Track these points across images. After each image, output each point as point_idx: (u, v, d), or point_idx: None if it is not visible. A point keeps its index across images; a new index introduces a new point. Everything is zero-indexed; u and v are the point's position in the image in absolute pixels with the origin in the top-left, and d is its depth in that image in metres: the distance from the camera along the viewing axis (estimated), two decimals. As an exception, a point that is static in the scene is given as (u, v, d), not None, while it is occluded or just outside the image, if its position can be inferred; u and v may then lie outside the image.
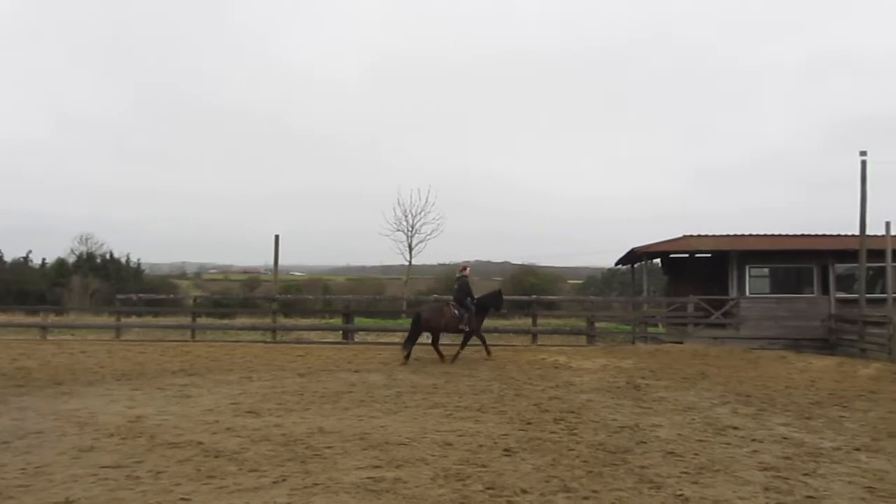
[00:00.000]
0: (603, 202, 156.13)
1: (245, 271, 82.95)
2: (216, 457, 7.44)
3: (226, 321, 27.84)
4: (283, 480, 6.52)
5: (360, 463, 7.19)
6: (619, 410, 10.81)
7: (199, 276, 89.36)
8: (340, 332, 23.56)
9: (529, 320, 23.52)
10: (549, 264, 72.13)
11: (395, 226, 40.09)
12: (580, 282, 77.83)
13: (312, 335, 24.11)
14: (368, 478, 6.58)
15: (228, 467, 7.01)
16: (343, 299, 28.54)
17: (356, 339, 23.23)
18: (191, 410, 10.39)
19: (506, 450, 7.90)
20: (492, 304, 18.95)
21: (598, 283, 73.11)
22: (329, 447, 7.91)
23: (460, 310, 18.05)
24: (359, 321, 24.96)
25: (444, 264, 61.94)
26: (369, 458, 7.43)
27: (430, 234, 40.40)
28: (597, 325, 23.49)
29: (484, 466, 7.12)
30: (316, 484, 6.38)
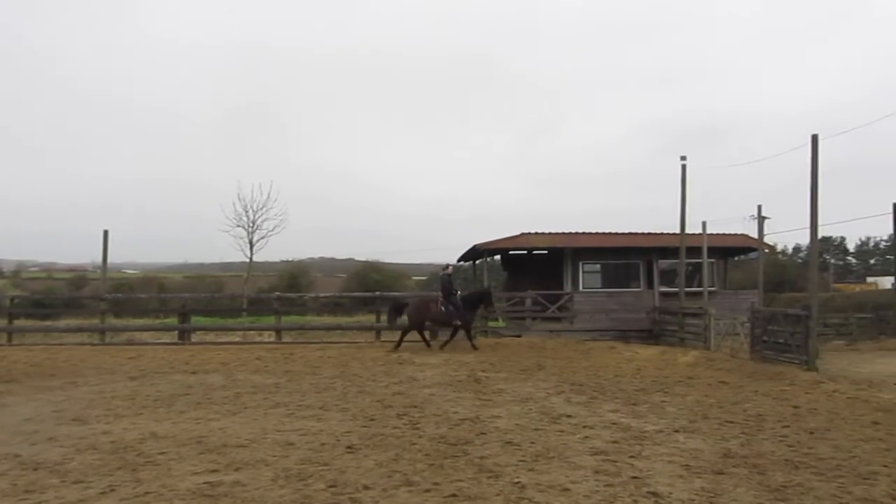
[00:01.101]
0: (447, 201, 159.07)
1: (71, 269, 77.69)
2: (35, 469, 6.92)
3: (48, 322, 25.94)
4: (111, 491, 6.16)
5: (197, 468, 6.93)
6: (461, 403, 11.04)
7: (17, 274, 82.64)
8: (176, 332, 22.57)
9: (373, 317, 23.51)
10: (394, 261, 72.61)
11: (235, 221, 38.94)
12: (424, 278, 78.78)
13: (146, 336, 22.97)
14: (205, 483, 6.35)
15: (50, 480, 6.53)
16: (179, 298, 27.32)
17: (193, 340, 22.31)
18: (7, 420, 9.59)
19: (348, 447, 7.87)
20: (480, 301, 20.49)
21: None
22: (162, 453, 7.56)
23: (447, 306, 19.66)
24: (196, 320, 23.98)
25: (288, 261, 60.89)
26: (206, 462, 7.17)
27: (272, 230, 39.50)
28: (440, 320, 23.83)
29: (326, 465, 7.06)
30: (148, 492, 6.08)
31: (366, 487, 6.24)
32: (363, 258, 70.56)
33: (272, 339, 22.11)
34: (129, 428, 8.96)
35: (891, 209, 26.71)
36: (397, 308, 20.76)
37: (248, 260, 39.85)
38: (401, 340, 19.81)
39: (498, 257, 31.86)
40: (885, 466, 7.27)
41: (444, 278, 20.74)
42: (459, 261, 34.47)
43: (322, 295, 35.72)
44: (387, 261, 67.64)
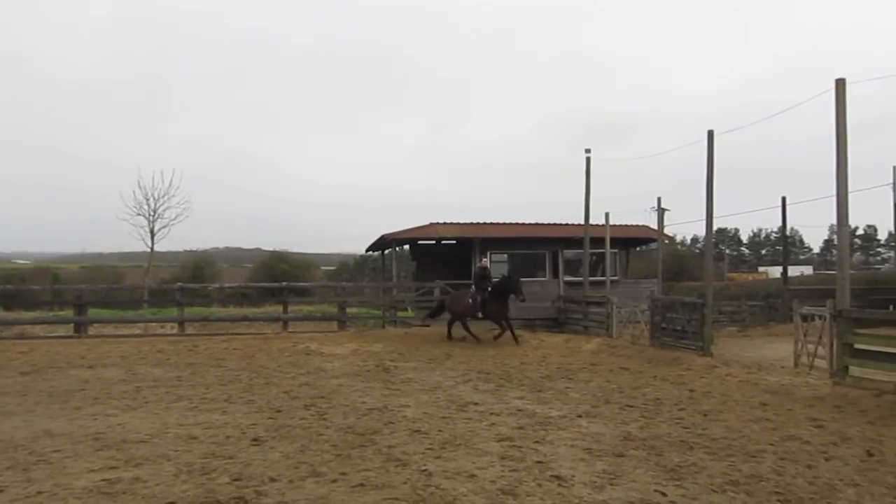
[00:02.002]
0: (357, 189, 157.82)
1: (-46, 260, 73.29)
2: (-85, 471, 6.53)
3: (-73, 317, 24.37)
4: (0, 492, 5.87)
5: (94, 465, 6.68)
6: (369, 393, 11.04)
7: None
8: (72, 325, 21.62)
9: (280, 307, 23.16)
10: (302, 251, 71.68)
11: (135, 210, 37.56)
12: (333, 268, 78.19)
13: (38, 329, 21.86)
14: (103, 480, 6.14)
15: (-69, 482, 6.17)
16: (75, 289, 26.15)
17: (91, 333, 21.43)
18: None
19: (254, 439, 7.76)
20: (508, 288, 19.49)
21: (351, 270, 73.93)
22: (57, 451, 7.25)
23: (475, 298, 19.43)
24: (94, 313, 23.00)
25: (192, 251, 59.25)
26: (104, 459, 6.92)
27: (174, 219, 38.26)
28: (348, 310, 23.71)
29: (231, 458, 6.93)
30: (40, 492, 5.82)
31: (272, 479, 6.17)
32: (271, 248, 69.32)
33: (175, 332, 21.46)
34: (19, 426, 8.54)
35: (780, 203, 28.26)
36: (440, 303, 20.93)
37: (149, 250, 38.51)
38: (449, 332, 19.87)
39: (407, 247, 31.88)
40: (772, 445, 7.69)
41: (476, 271, 20.98)
42: (368, 251, 34.37)
43: (227, 285, 34.98)
44: (295, 250, 66.63)
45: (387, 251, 31.19)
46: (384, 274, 31.98)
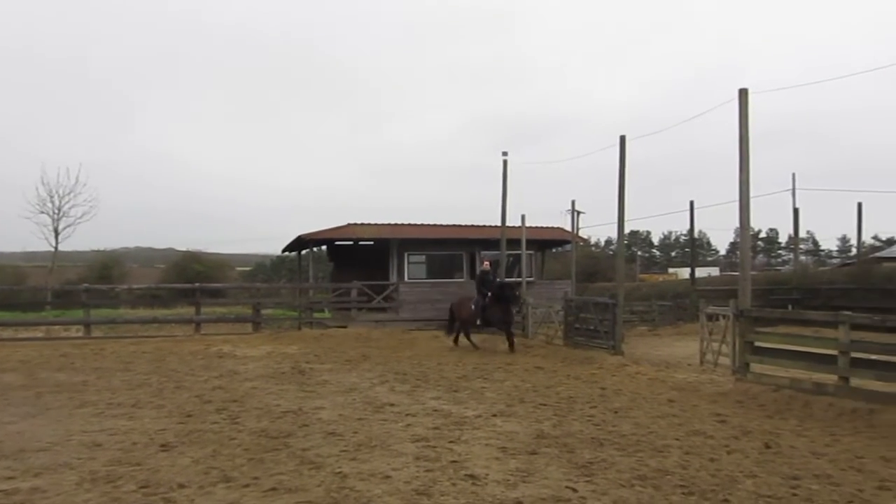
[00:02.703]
0: (275, 188, 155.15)
1: None
2: None
3: None
4: None
5: (-11, 475, 6.37)
6: (284, 396, 10.89)
7: None
8: (-33, 328, 20.54)
9: (193, 309, 22.59)
10: (217, 251, 70.03)
11: (38, 207, 35.99)
12: (249, 269, 76.73)
13: (-70, 334, 20.69)
14: (-1, 491, 5.86)
15: None
16: (-29, 291, 24.86)
17: (-12, 337, 20.39)
18: None
19: (163, 445, 7.55)
20: (503, 295, 17.99)
21: (267, 270, 72.75)
22: (-52, 461, 6.88)
23: (477, 303, 18.26)
24: (-8, 315, 21.95)
25: (100, 250, 57.07)
26: (0, 469, 6.60)
27: (80, 218, 36.83)
28: (263, 311, 23.34)
29: (138, 465, 6.73)
30: (-70, 504, 5.53)
31: (181, 486, 6.02)
32: (184, 248, 67.32)
33: (80, 335, 20.66)
34: None
35: (689, 207, 29.34)
36: (450, 312, 19.37)
37: (53, 249, 36.94)
38: (457, 337, 18.82)
39: (324, 248, 31.56)
40: (677, 440, 7.96)
41: (478, 275, 19.62)
42: (284, 251, 33.83)
43: (137, 286, 33.82)
44: (210, 250, 64.96)
45: (304, 251, 30.79)
46: (301, 275, 31.56)
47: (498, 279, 19.61)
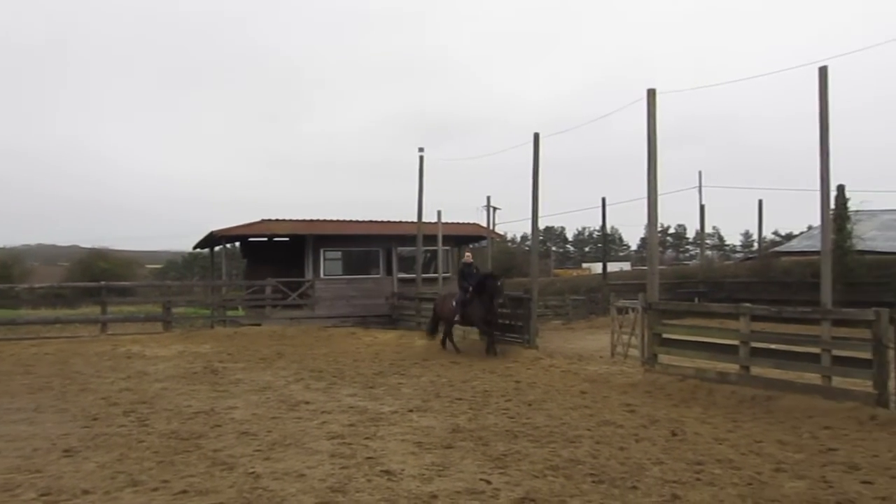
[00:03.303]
0: (187, 184, 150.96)
1: None
2: None
3: None
4: None
5: None
6: (195, 396, 10.64)
7: None
8: None
9: (99, 309, 21.77)
10: (125, 248, 67.73)
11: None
12: (160, 266, 74.54)
13: None
14: None
15: None
16: None
17: None
18: None
19: (66, 450, 7.26)
20: (485, 288, 15.94)
21: (179, 268, 70.80)
22: None
23: (458, 299, 16.58)
24: None
25: (-2, 248, 54.37)
26: None
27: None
28: (174, 310, 22.70)
29: (39, 472, 6.45)
30: None
31: (85, 492, 5.81)
32: (89, 245, 64.77)
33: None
34: None
35: (601, 203, 30.08)
36: (433, 311, 18.05)
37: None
38: (443, 339, 17.07)
39: (238, 244, 30.90)
40: (589, 430, 8.17)
41: (459, 267, 17.74)
42: (196, 248, 32.97)
43: (39, 286, 32.34)
44: (117, 248, 62.72)
45: (217, 248, 30.08)
46: (214, 272, 30.83)
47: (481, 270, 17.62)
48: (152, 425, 8.52)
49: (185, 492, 5.81)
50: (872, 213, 30.52)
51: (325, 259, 25.74)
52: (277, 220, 26.05)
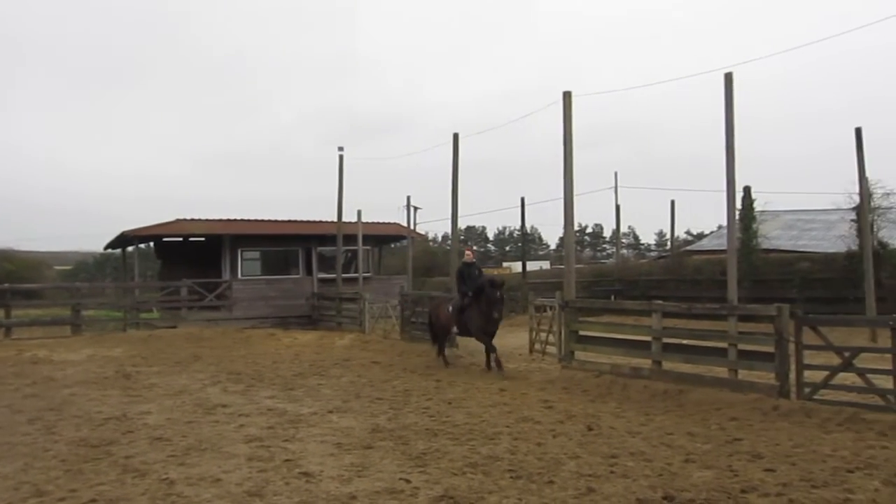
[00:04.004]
0: (100, 180, 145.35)
1: None
2: None
3: None
4: None
5: None
6: (106, 402, 10.30)
7: None
8: None
9: (2, 312, 20.79)
10: (32, 248, 64.82)
11: None
12: (69, 268, 71.65)
13: None
14: None
15: None
16: None
17: None
18: None
19: (-35, 461, 6.92)
20: (485, 295, 13.32)
21: (91, 269, 68.24)
22: None
23: (455, 305, 14.21)
24: None
25: None
26: None
27: None
28: (84, 313, 21.88)
29: (-66, 485, 6.14)
30: None
31: (-14, 504, 5.57)
32: (-8, 246, 61.71)
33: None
34: None
35: (520, 203, 30.58)
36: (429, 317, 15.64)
37: None
38: (439, 349, 14.70)
39: (152, 244, 30.04)
40: (508, 427, 8.29)
41: (458, 269, 14.87)
42: (107, 248, 31.87)
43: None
44: (23, 248, 59.94)
45: (129, 248, 29.15)
46: (126, 273, 29.88)
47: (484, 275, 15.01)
48: (60, 433, 8.20)
49: (94, 501, 5.64)
50: (776, 214, 31.89)
51: (242, 259, 25.33)
52: (193, 219, 25.46)
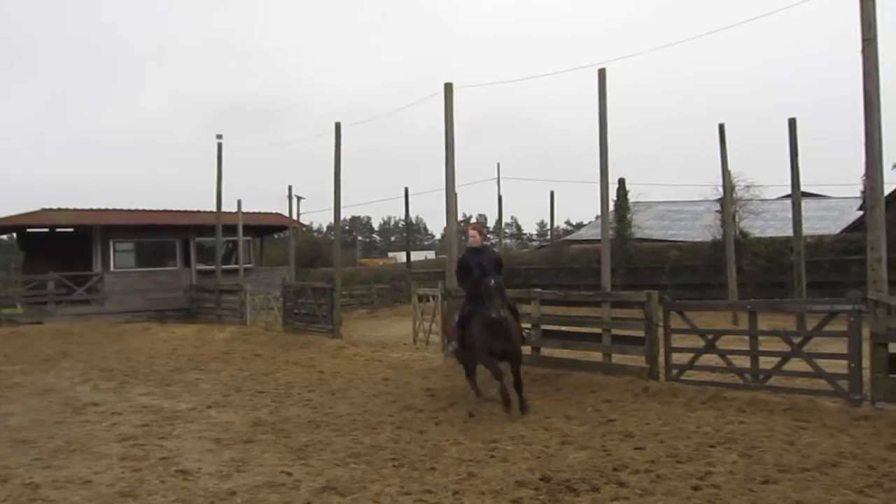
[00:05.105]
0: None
1: None
2: None
3: None
4: None
5: None
6: (-37, 404, 9.67)
7: None
8: None
9: None
10: None
11: None
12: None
13: None
14: None
15: None
16: None
17: None
18: None
19: None
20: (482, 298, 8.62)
21: (-57, 262, 63.51)
22: None
23: (463, 309, 9.31)
24: None
25: None
26: None
27: None
28: (-63, 310, 20.38)
29: None
30: None
31: None
32: None
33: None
34: None
35: (403, 193, 30.69)
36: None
37: None
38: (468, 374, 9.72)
39: (15, 235, 28.27)
40: (390, 416, 8.35)
41: (461, 260, 9.71)
42: (-37, 241, 29.77)
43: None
44: None
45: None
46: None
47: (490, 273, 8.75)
48: None
49: (-51, 510, 5.30)
50: (648, 204, 33.42)
51: (115, 251, 24.19)
52: (60, 209, 24.14)
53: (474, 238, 9.49)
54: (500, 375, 8.45)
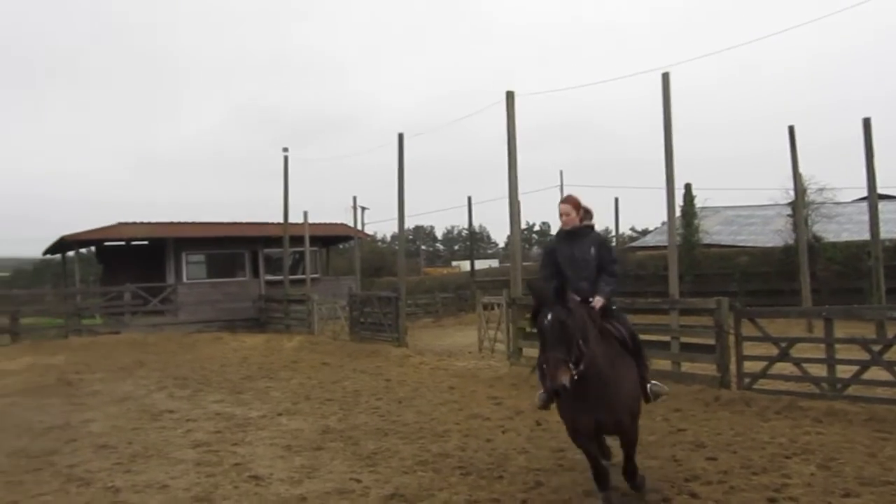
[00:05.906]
0: (35, 183, 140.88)
1: None
2: None
3: None
4: None
5: None
6: (48, 410, 10.07)
7: None
8: None
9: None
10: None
11: None
12: (6, 274, 69.51)
13: None
14: None
15: None
16: None
17: None
18: None
19: None
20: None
21: (29, 276, 66.29)
22: None
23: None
24: None
25: None
26: None
27: None
28: (23, 320, 21.26)
29: None
30: None
31: (-78, 519, 5.41)
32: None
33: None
34: None
35: (467, 202, 30.73)
36: None
37: None
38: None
39: (93, 249, 29.35)
40: (457, 424, 8.36)
41: (545, 248, 6.77)
42: (45, 254, 31.00)
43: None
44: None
45: (69, 254, 28.42)
46: (66, 279, 29.11)
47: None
48: (-1, 444, 8.01)
49: (36, 511, 5.53)
50: (716, 210, 32.68)
51: (187, 263, 24.90)
52: (134, 223, 25.01)
53: (568, 217, 6.06)
54: (601, 478, 5.44)
